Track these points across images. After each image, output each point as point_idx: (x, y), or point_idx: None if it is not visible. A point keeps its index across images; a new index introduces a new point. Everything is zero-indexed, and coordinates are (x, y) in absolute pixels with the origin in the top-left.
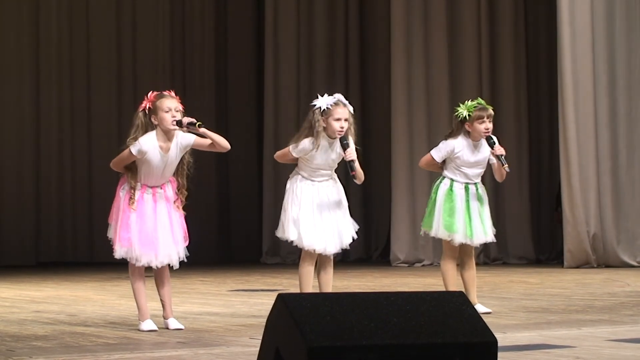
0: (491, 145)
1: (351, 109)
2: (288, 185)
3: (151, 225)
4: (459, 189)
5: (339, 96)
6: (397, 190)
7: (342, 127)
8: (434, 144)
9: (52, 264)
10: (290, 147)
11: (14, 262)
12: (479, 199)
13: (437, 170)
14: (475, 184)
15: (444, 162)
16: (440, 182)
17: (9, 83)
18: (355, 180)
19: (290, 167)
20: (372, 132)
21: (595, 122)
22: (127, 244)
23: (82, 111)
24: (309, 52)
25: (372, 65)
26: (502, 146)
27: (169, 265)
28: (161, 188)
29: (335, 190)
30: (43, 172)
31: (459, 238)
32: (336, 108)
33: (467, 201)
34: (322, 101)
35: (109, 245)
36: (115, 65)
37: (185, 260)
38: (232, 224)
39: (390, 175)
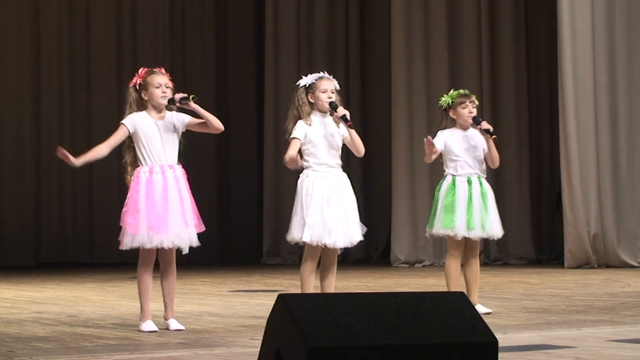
0: (477, 122)
1: (336, 83)
2: (298, 186)
3: (161, 205)
4: (461, 182)
5: (322, 73)
6: (398, 191)
7: (329, 98)
8: None
9: (53, 265)
10: (293, 135)
11: (15, 263)
12: (483, 194)
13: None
14: (478, 177)
15: (443, 161)
16: (443, 180)
17: (9, 82)
18: (350, 129)
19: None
20: (372, 132)
21: (595, 122)
22: (134, 230)
23: (82, 111)
24: (309, 51)
25: (372, 66)
26: (496, 137)
27: (177, 250)
28: (170, 168)
29: (346, 184)
30: (43, 172)
31: (461, 232)
32: (321, 81)
33: (470, 194)
34: (306, 79)
35: (109, 246)
36: (115, 65)
37: (199, 244)
38: (232, 225)
39: (390, 176)
